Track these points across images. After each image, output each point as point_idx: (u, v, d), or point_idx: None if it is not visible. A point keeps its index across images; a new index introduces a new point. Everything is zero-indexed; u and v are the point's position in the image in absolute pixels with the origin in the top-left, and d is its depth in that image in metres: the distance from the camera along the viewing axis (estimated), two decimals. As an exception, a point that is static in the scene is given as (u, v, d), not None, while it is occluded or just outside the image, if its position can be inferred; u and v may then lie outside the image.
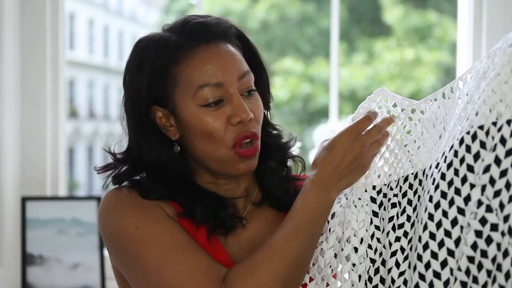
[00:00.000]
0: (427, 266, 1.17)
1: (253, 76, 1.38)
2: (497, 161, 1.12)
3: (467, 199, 1.15)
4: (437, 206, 1.17)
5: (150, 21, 22.00)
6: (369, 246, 1.30)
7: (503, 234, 1.10)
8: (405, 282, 1.23)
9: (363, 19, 13.12)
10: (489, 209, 1.12)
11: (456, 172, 1.16)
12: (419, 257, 1.18)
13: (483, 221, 1.12)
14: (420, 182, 1.27)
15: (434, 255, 1.17)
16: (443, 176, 1.17)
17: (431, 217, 1.18)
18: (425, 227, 1.18)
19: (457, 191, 1.16)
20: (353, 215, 1.32)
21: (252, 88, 1.37)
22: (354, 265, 1.30)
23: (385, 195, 1.31)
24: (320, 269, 1.34)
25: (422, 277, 1.17)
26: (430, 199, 1.18)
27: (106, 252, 2.69)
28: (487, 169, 1.13)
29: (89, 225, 2.71)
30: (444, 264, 1.16)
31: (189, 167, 1.41)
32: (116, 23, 22.38)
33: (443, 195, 1.17)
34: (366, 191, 1.34)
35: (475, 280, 1.13)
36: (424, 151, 1.30)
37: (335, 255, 1.33)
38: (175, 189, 1.39)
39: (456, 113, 1.24)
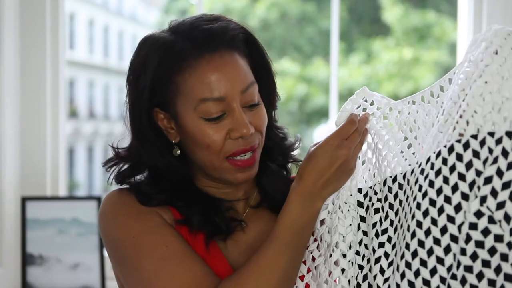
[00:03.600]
0: (417, 274, 1.17)
1: (257, 86, 1.36)
2: (499, 173, 1.12)
3: (457, 208, 1.15)
4: (425, 213, 1.17)
5: (150, 21, 22.00)
6: (357, 253, 1.29)
7: (510, 245, 1.11)
8: None
9: (363, 18, 13.12)
10: (491, 220, 1.12)
11: (446, 180, 1.16)
12: (408, 265, 1.17)
13: (485, 232, 1.12)
14: (400, 185, 1.26)
15: (424, 263, 1.16)
16: (431, 184, 1.17)
17: (419, 224, 1.17)
18: (414, 235, 1.17)
19: (447, 199, 1.15)
20: (340, 220, 1.31)
21: (255, 103, 1.35)
22: (343, 270, 1.29)
23: (370, 199, 1.31)
24: (314, 276, 1.34)
25: (411, 284, 1.17)
26: (418, 207, 1.18)
27: (106, 252, 2.69)
28: (488, 180, 1.12)
29: (89, 225, 2.71)
30: (433, 272, 1.16)
31: (189, 171, 1.41)
32: (116, 23, 22.37)
33: (432, 202, 1.16)
34: (351, 195, 1.33)
35: None
36: (401, 155, 1.29)
37: (324, 261, 1.32)
38: (174, 193, 1.38)
39: (439, 118, 1.23)
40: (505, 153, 1.12)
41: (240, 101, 1.33)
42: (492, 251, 1.12)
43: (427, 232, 1.16)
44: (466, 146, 1.15)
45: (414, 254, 1.17)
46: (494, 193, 1.12)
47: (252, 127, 1.33)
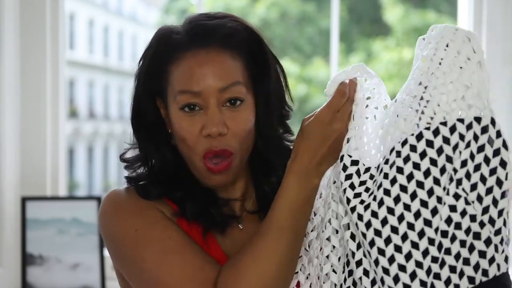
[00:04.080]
0: (391, 260, 1.17)
1: (244, 88, 1.34)
2: (472, 157, 1.18)
3: (430, 192, 1.17)
4: (397, 200, 1.18)
5: (150, 21, 22.00)
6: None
7: (482, 224, 1.17)
8: (365, 272, 1.21)
9: (363, 18, 13.13)
10: (467, 202, 1.17)
11: (417, 166, 1.18)
12: (381, 252, 1.18)
13: (463, 213, 1.17)
14: (372, 176, 1.24)
15: (398, 249, 1.17)
16: (400, 170, 1.18)
17: (391, 211, 1.18)
18: (385, 221, 1.18)
19: (420, 184, 1.17)
20: (333, 196, 1.28)
21: (237, 98, 1.33)
22: (334, 247, 1.27)
23: (371, 177, 1.26)
24: (305, 251, 1.32)
25: (386, 271, 1.17)
26: (387, 193, 1.18)
27: (106, 252, 2.69)
28: (464, 164, 1.17)
29: (89, 225, 2.71)
30: (408, 256, 1.17)
31: (185, 164, 1.41)
32: (116, 23, 22.38)
33: (403, 188, 1.18)
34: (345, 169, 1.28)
35: (453, 269, 1.17)
36: (377, 147, 1.27)
37: (317, 236, 1.30)
38: (171, 185, 1.39)
39: (399, 114, 1.24)
40: (475, 137, 1.17)
41: (219, 99, 1.32)
42: (468, 231, 1.17)
43: (400, 218, 1.17)
44: (436, 132, 1.18)
45: (388, 240, 1.17)
46: (468, 175, 1.17)
47: (225, 127, 1.32)
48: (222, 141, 1.33)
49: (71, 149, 19.61)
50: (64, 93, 2.92)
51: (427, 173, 1.17)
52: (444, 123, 1.18)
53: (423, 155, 1.17)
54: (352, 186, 1.24)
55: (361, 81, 1.32)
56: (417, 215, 1.17)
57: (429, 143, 1.17)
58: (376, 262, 1.18)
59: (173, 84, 1.34)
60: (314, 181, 1.28)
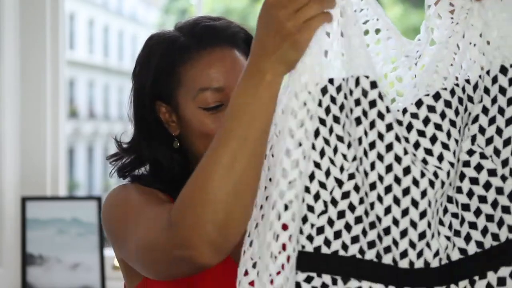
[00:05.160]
0: (387, 211, 1.05)
1: None
2: (485, 111, 1.10)
3: (444, 146, 1.09)
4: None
5: (150, 21, 22.01)
6: (332, 162, 1.07)
7: (503, 178, 1.08)
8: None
9: (363, 18, 13.14)
10: (483, 156, 1.09)
11: (438, 127, 1.08)
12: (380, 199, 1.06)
13: (478, 168, 1.09)
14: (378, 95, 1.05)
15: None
16: (421, 134, 1.07)
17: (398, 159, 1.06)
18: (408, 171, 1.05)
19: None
20: (322, 120, 1.06)
21: None
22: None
23: (345, 96, 1.05)
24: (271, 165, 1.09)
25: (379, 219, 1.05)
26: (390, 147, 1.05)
27: (106, 252, 2.70)
28: (475, 119, 1.10)
29: (89, 225, 2.71)
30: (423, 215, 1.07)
31: (189, 165, 1.42)
32: (116, 23, 22.38)
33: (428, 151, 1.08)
34: (317, 84, 1.05)
35: (473, 225, 1.09)
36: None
37: (305, 158, 1.06)
38: (174, 186, 1.39)
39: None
40: (486, 90, 1.10)
41: None
42: (487, 186, 1.09)
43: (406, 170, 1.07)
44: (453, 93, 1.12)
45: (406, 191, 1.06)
46: (481, 130, 1.09)
47: None
48: None
49: (71, 149, 19.61)
50: (64, 93, 2.92)
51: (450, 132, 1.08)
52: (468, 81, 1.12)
53: (443, 115, 1.08)
54: (380, 116, 1.04)
55: None
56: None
57: (447, 104, 1.09)
58: (372, 206, 1.04)
59: (189, 84, 1.37)
60: (266, 76, 1.04)
